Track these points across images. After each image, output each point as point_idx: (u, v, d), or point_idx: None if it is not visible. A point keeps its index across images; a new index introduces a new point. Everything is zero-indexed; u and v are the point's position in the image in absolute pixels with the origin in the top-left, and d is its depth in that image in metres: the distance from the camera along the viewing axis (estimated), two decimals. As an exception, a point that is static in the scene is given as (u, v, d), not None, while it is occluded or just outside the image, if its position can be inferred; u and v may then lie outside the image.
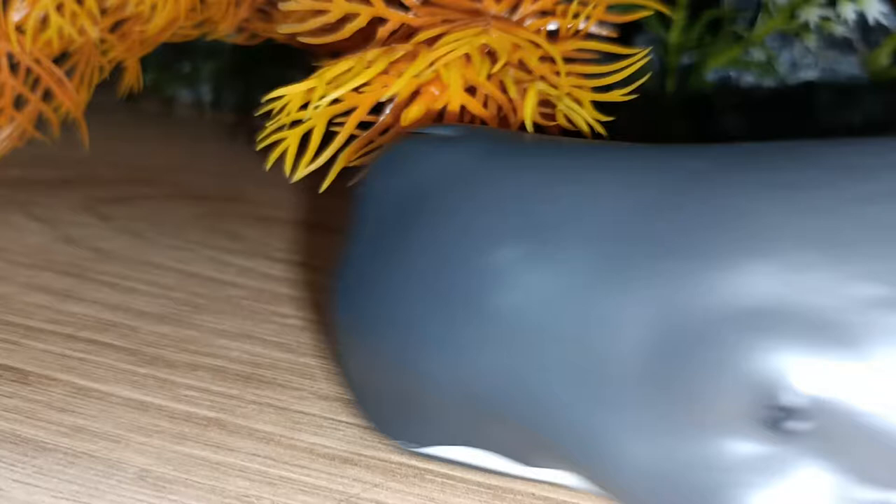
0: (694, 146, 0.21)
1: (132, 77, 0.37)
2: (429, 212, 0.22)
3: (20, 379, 0.26)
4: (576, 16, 0.28)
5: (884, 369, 0.18)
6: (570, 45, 0.28)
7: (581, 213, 0.20)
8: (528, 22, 0.28)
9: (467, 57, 0.26)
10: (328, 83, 0.26)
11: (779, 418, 0.18)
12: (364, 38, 0.27)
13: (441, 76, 0.26)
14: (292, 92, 0.26)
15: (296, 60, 0.40)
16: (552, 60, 0.27)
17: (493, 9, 0.28)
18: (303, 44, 0.28)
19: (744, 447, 0.18)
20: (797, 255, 0.18)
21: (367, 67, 0.25)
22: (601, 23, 0.30)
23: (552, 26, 0.29)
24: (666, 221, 0.20)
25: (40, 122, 0.35)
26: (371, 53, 0.26)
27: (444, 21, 0.27)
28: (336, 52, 0.28)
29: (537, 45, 0.27)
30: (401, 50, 0.26)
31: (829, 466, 0.18)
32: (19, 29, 0.33)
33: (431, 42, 0.26)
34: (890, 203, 0.19)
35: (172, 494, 0.21)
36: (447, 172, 0.22)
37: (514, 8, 0.29)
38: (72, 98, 0.35)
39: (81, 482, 0.21)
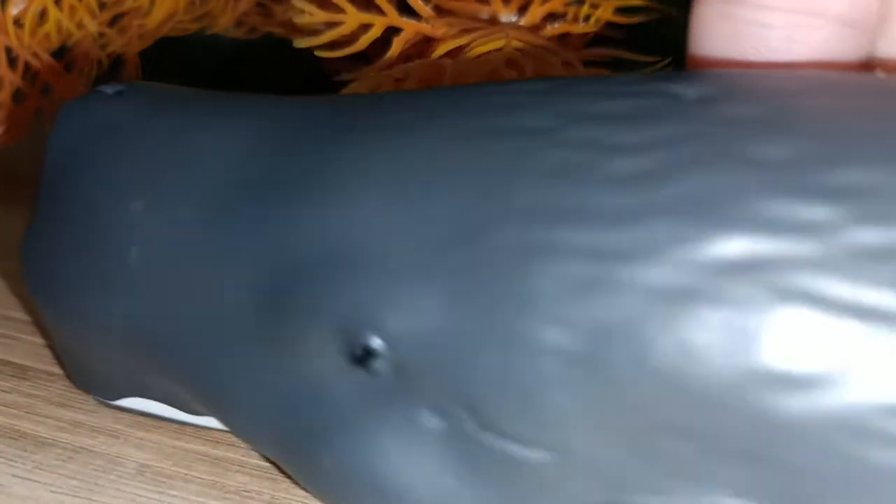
0: (330, 97, 0.21)
1: (131, 71, 0.37)
2: (82, 169, 0.22)
3: (19, 374, 0.26)
4: (586, 18, 0.28)
5: (448, 306, 0.17)
6: (588, 53, 0.27)
7: (196, 163, 0.21)
8: (540, 26, 0.28)
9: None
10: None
11: (364, 358, 0.18)
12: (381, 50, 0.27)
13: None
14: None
15: (294, 58, 0.39)
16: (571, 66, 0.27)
17: (503, 12, 0.28)
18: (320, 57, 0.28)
19: (341, 386, 0.19)
20: (377, 197, 0.18)
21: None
22: (610, 24, 0.30)
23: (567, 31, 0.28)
24: (271, 169, 0.20)
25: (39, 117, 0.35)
26: (398, 70, 0.26)
27: (462, 31, 0.27)
28: (354, 63, 0.28)
29: (555, 53, 0.27)
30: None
31: (403, 401, 0.18)
32: (17, 23, 0.33)
33: (452, 54, 0.26)
34: (454, 145, 0.18)
35: (172, 490, 0.21)
36: (101, 129, 0.22)
37: (523, 9, 0.29)
38: (71, 92, 0.35)
39: (81, 477, 0.21)
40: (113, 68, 0.37)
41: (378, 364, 0.18)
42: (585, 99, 0.18)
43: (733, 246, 0.16)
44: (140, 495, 0.21)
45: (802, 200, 0.16)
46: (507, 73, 0.26)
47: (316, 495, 0.19)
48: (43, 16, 0.34)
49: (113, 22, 0.36)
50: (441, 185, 0.18)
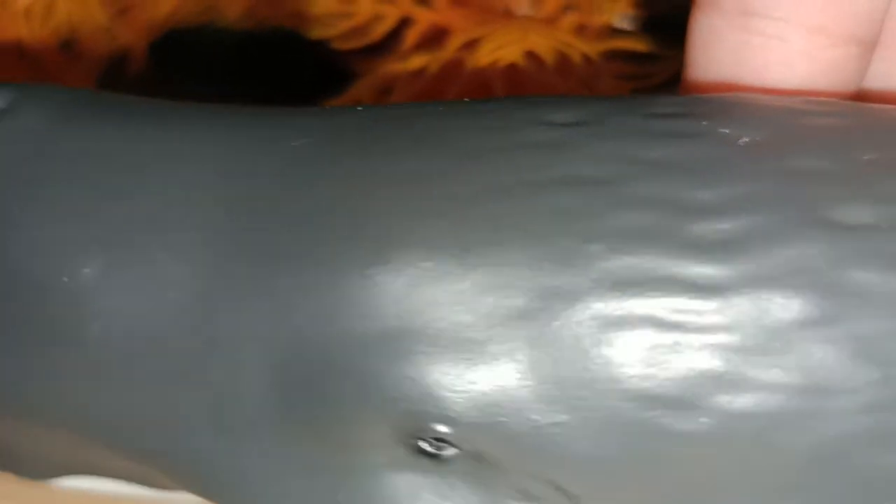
0: (304, 112, 0.18)
1: (139, 64, 0.36)
2: None
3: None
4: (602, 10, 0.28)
5: (526, 388, 0.16)
6: (606, 45, 0.27)
7: (174, 206, 0.16)
8: (555, 18, 0.28)
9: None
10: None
11: (427, 446, 0.16)
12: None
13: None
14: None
15: (303, 50, 0.39)
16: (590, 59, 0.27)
17: (518, 4, 0.28)
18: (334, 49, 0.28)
19: (402, 481, 0.17)
20: (438, 261, 0.16)
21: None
22: (626, 16, 0.30)
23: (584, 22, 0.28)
24: (273, 217, 0.16)
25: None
26: (416, 60, 0.25)
27: (478, 23, 0.26)
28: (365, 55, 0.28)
29: (574, 46, 0.27)
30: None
31: (481, 486, 0.17)
32: (27, 14, 0.33)
33: (468, 46, 0.25)
34: (512, 197, 0.16)
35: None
36: (1, 160, 0.17)
37: (537, 1, 0.28)
38: (79, 85, 0.34)
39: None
40: (118, 61, 0.36)
41: (449, 452, 0.16)
42: (634, 142, 0.17)
43: (825, 315, 0.15)
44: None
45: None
46: (526, 65, 0.26)
47: None
48: (53, 7, 0.33)
49: (122, 14, 0.35)
50: (511, 251, 0.16)
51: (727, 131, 0.17)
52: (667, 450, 0.16)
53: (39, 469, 0.20)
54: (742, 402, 0.15)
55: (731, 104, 0.18)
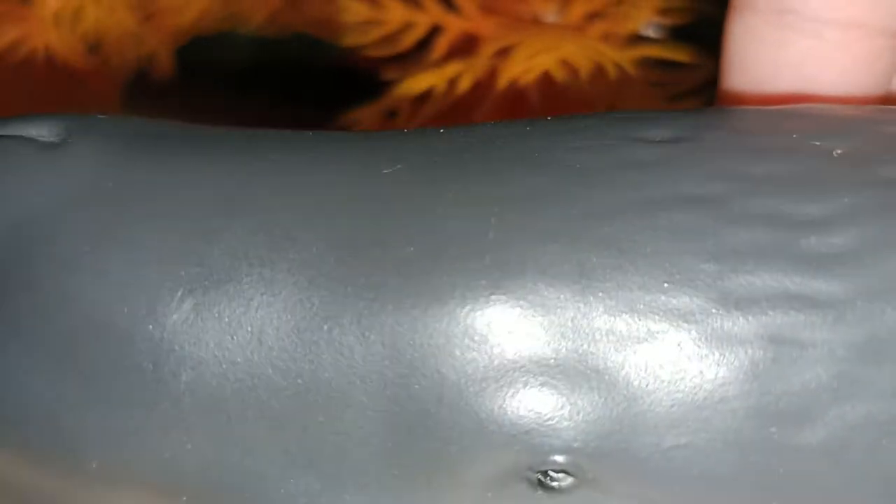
0: (381, 136, 0.17)
1: (165, 70, 0.36)
2: (39, 263, 0.16)
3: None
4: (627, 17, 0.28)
5: (647, 412, 0.16)
6: (634, 52, 0.28)
7: (266, 242, 0.16)
8: (582, 26, 0.28)
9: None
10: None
11: (546, 477, 0.16)
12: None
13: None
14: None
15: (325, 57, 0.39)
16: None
17: (544, 11, 0.28)
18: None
19: None
20: (546, 290, 0.15)
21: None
22: (652, 24, 0.30)
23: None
24: (375, 248, 0.16)
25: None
26: (450, 68, 0.26)
27: (510, 30, 0.27)
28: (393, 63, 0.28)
29: (605, 54, 0.27)
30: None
31: None
32: (56, 19, 0.33)
33: (502, 54, 0.26)
34: (626, 217, 0.16)
35: None
36: (60, 198, 0.16)
37: (563, 7, 0.29)
38: (105, 91, 0.35)
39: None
40: (145, 66, 0.36)
41: (567, 483, 0.16)
42: (734, 157, 0.17)
43: None
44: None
45: None
46: (560, 73, 0.26)
47: None
48: (81, 13, 0.33)
49: (148, 19, 0.35)
50: (630, 273, 0.15)
51: (818, 143, 0.17)
52: (783, 466, 0.16)
53: None
54: (857, 412, 0.15)
55: (808, 115, 0.18)
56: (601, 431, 0.15)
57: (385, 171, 0.16)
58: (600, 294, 0.15)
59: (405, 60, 0.28)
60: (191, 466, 0.16)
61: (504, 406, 0.15)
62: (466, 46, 0.27)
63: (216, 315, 0.15)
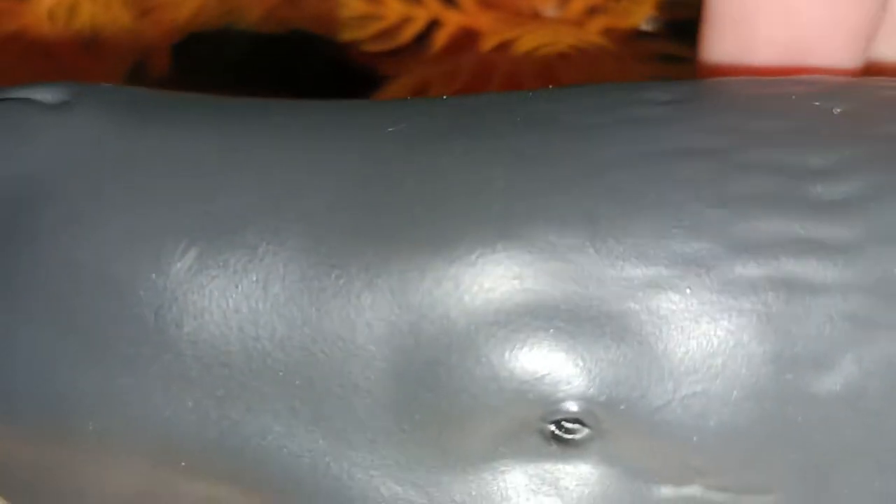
0: (389, 104, 0.17)
1: (162, 65, 0.36)
2: (42, 219, 0.15)
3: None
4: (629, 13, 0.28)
5: (661, 359, 0.15)
6: (634, 47, 0.27)
7: (273, 197, 0.15)
8: (582, 20, 0.28)
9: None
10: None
11: (559, 429, 0.16)
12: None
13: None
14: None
15: (324, 52, 0.39)
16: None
17: (544, 5, 0.28)
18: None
19: (528, 471, 0.16)
20: (554, 237, 0.15)
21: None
22: (651, 19, 0.30)
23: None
24: (384, 199, 0.15)
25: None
26: (448, 65, 0.25)
27: (509, 25, 0.26)
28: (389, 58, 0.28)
29: (605, 48, 0.27)
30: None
31: (618, 469, 0.16)
32: (51, 15, 0.33)
33: (500, 49, 0.25)
34: (632, 168, 0.16)
35: None
36: (63, 156, 0.16)
37: (564, 2, 0.28)
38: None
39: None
40: (141, 62, 0.36)
41: (582, 435, 0.15)
42: (734, 115, 0.17)
43: None
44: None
45: None
46: (560, 68, 0.26)
47: None
48: (76, 8, 0.33)
49: (145, 15, 0.35)
50: (640, 220, 0.15)
51: (818, 104, 0.17)
52: (801, 414, 0.15)
53: None
54: (873, 356, 0.15)
55: (806, 81, 0.18)
56: (615, 378, 0.15)
57: (390, 129, 0.16)
58: (609, 240, 0.15)
59: (403, 55, 0.28)
60: (191, 426, 0.15)
61: (515, 352, 0.15)
62: (466, 41, 0.27)
63: (221, 263, 0.15)
